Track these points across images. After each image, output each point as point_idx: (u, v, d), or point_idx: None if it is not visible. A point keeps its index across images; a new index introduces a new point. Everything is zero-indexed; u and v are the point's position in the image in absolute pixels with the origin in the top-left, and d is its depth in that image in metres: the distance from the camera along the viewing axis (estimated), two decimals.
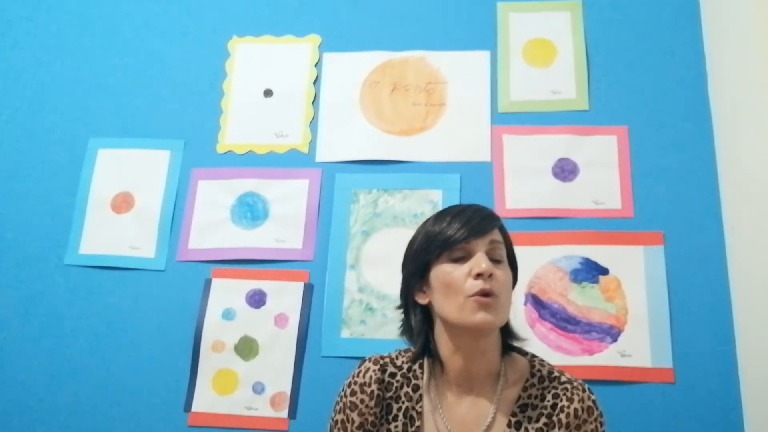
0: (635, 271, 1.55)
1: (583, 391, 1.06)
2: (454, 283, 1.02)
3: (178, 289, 1.67)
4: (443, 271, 1.04)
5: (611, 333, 1.51)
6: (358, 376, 1.11)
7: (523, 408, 1.05)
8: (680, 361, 1.48)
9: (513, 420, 1.03)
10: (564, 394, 1.05)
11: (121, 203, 1.78)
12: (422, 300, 1.09)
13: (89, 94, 1.89)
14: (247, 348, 1.62)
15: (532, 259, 1.57)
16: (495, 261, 1.04)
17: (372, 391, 1.09)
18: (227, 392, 1.59)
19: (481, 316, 1.00)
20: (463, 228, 1.04)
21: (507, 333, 1.11)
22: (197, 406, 1.58)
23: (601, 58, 1.75)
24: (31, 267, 1.74)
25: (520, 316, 1.54)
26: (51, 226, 1.77)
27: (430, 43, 1.82)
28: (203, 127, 1.81)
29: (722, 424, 1.43)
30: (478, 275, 1.01)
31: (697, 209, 1.59)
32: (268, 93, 1.84)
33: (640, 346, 1.49)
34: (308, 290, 1.64)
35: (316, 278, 1.64)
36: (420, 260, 1.08)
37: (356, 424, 1.08)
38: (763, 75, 1.44)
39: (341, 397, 1.13)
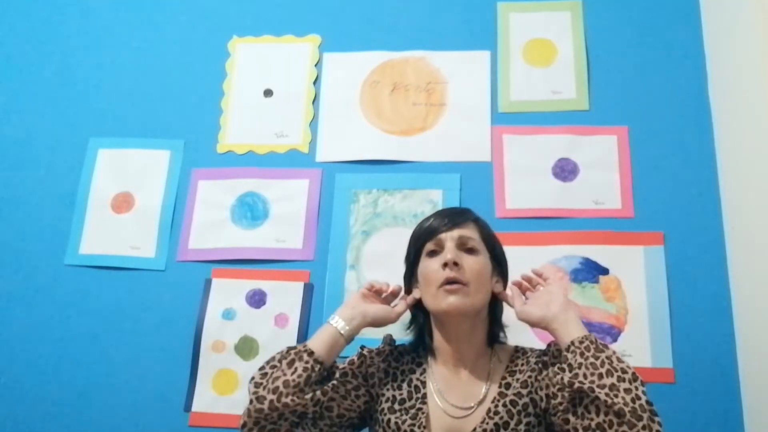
0: (635, 271, 1.55)
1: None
2: (429, 275, 1.14)
3: (178, 289, 1.67)
4: (422, 266, 1.17)
5: (611, 333, 1.51)
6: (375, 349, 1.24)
7: (512, 372, 1.15)
8: (680, 361, 1.48)
9: (503, 382, 1.14)
10: (543, 351, 1.17)
11: (121, 203, 1.78)
12: (416, 294, 1.19)
13: (89, 94, 1.89)
14: (247, 348, 1.62)
15: (532, 259, 1.57)
16: (467, 252, 1.14)
17: (381, 350, 1.21)
18: (227, 392, 1.59)
19: (449, 301, 1.10)
20: (434, 225, 1.17)
21: (494, 321, 1.20)
22: (197, 406, 1.58)
23: (601, 58, 1.75)
24: (31, 267, 1.74)
25: None
26: (51, 226, 1.77)
27: (430, 43, 1.82)
28: (203, 127, 1.81)
29: (722, 424, 1.43)
30: (445, 264, 1.12)
31: (697, 209, 1.59)
32: (268, 93, 1.84)
33: (640, 346, 1.49)
34: (308, 290, 1.64)
35: (316, 278, 1.64)
36: (408, 259, 1.22)
37: (356, 365, 1.18)
38: (763, 75, 1.44)
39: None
